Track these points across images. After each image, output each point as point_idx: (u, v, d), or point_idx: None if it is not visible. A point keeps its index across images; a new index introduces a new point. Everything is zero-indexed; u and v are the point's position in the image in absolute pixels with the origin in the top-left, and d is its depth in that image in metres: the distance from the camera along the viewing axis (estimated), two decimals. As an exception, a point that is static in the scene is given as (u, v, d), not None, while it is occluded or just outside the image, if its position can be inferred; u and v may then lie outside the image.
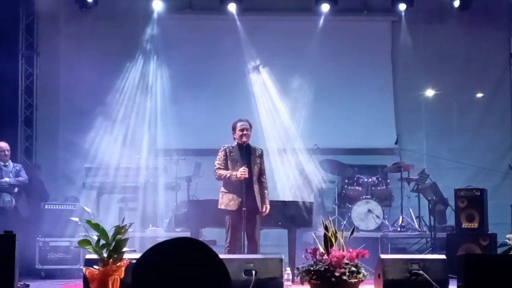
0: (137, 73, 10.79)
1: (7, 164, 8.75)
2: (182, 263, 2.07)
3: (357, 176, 10.10)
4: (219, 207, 7.13)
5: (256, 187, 7.11)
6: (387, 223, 9.62)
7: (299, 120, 10.73)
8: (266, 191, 7.25)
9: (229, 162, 7.11)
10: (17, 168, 8.84)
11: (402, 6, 10.95)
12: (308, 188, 10.15)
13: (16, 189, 8.70)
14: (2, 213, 8.41)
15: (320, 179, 10.16)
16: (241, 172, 6.95)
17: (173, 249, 2.10)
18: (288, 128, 10.75)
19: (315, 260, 6.22)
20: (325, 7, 10.86)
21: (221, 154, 7.16)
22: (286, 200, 8.57)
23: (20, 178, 8.74)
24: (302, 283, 6.39)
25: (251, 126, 7.29)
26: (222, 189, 7.16)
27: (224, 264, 2.13)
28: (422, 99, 11.18)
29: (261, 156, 7.28)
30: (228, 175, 7.03)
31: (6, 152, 8.75)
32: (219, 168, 7.10)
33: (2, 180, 8.60)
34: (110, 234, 5.74)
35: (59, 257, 8.69)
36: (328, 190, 10.24)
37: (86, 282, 5.88)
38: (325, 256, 6.13)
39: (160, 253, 2.11)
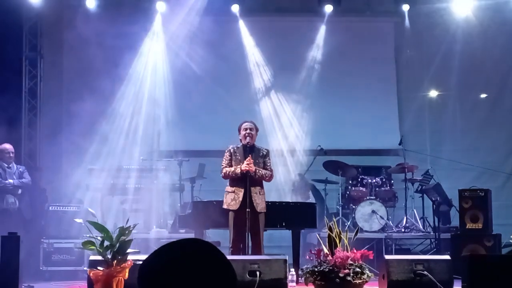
0: (140, 75, 10.79)
1: (10, 165, 8.78)
2: (189, 265, 2.06)
3: (361, 177, 10.08)
4: (223, 206, 7.11)
5: (258, 188, 7.07)
6: (391, 224, 9.60)
7: (303, 121, 10.73)
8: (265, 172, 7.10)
9: (233, 162, 7.08)
10: (20, 170, 8.88)
11: (405, 7, 10.97)
12: (312, 189, 10.16)
13: (19, 191, 8.75)
14: (5, 214, 8.45)
15: (323, 180, 10.16)
16: (245, 164, 6.91)
17: (180, 250, 2.09)
18: (291, 129, 10.75)
19: (319, 261, 6.22)
20: (328, 8, 10.88)
21: (226, 155, 7.14)
22: (290, 201, 8.55)
23: (23, 180, 8.78)
24: (306, 284, 6.39)
25: (256, 128, 7.26)
26: (227, 188, 7.13)
27: (232, 266, 2.13)
28: (426, 100, 11.18)
29: (265, 156, 7.21)
30: (233, 169, 7.00)
31: (11, 154, 8.80)
32: (225, 167, 7.08)
33: (6, 181, 8.63)
34: (114, 236, 5.75)
35: (63, 259, 8.71)
36: (332, 191, 10.23)
37: (90, 284, 5.89)
38: (329, 257, 6.13)
39: (167, 254, 2.10)
